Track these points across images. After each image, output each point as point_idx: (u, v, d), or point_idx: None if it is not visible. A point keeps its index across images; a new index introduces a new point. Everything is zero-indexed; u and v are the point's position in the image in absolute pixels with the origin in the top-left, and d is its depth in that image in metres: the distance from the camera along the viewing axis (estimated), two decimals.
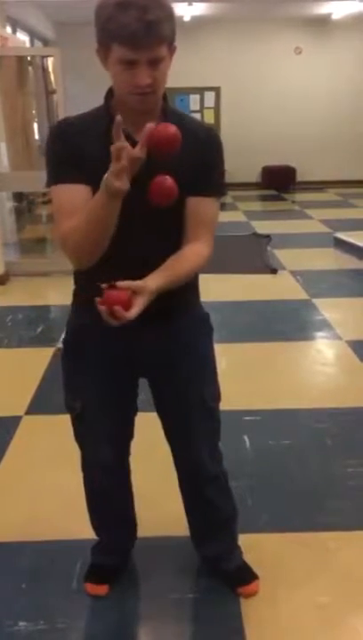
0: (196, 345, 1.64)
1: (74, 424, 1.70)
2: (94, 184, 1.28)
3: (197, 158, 1.41)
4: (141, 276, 1.34)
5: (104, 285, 1.26)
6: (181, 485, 1.83)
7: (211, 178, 1.47)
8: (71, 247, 1.37)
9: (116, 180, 1.19)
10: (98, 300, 1.26)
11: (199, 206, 1.45)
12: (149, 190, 1.30)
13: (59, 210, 1.39)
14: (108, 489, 1.82)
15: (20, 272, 5.47)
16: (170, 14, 1.25)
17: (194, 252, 1.45)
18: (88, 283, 1.50)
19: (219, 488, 1.81)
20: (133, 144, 1.22)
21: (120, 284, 1.28)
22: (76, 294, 1.60)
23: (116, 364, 1.58)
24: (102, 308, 1.26)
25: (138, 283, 1.30)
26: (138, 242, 1.42)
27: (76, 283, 1.59)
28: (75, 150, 1.36)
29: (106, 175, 1.20)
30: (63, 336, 1.64)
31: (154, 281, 1.33)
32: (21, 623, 1.77)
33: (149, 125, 1.19)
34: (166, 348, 1.57)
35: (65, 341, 1.64)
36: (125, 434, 1.74)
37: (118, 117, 1.17)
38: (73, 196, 1.36)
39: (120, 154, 1.17)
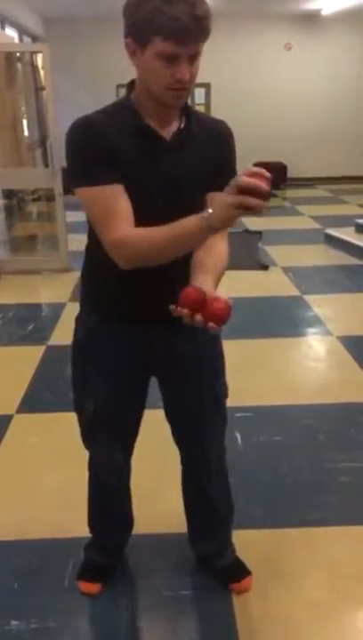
0: (208, 342, 1.61)
1: (83, 424, 1.67)
2: (126, 183, 1.28)
3: (218, 156, 1.43)
4: (160, 279, 1.35)
5: (172, 307, 1.21)
6: (186, 484, 1.83)
7: (229, 173, 1.46)
8: (131, 254, 1.31)
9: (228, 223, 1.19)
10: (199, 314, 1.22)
11: None
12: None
13: (102, 213, 1.31)
14: (113, 489, 1.82)
15: (11, 270, 5.44)
16: (210, 9, 1.24)
17: (222, 250, 1.44)
18: (105, 284, 1.49)
19: (221, 485, 1.82)
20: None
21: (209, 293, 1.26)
22: (85, 295, 1.58)
23: (128, 363, 1.56)
24: (198, 319, 1.22)
25: (209, 291, 1.28)
26: None
27: (86, 283, 1.57)
28: (106, 147, 1.29)
29: (216, 212, 1.18)
30: (72, 337, 1.61)
31: (212, 286, 1.31)
32: (13, 622, 1.77)
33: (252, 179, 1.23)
34: (179, 347, 1.55)
35: (75, 342, 1.60)
36: (133, 433, 1.72)
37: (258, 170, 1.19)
38: (113, 197, 1.30)
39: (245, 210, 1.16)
